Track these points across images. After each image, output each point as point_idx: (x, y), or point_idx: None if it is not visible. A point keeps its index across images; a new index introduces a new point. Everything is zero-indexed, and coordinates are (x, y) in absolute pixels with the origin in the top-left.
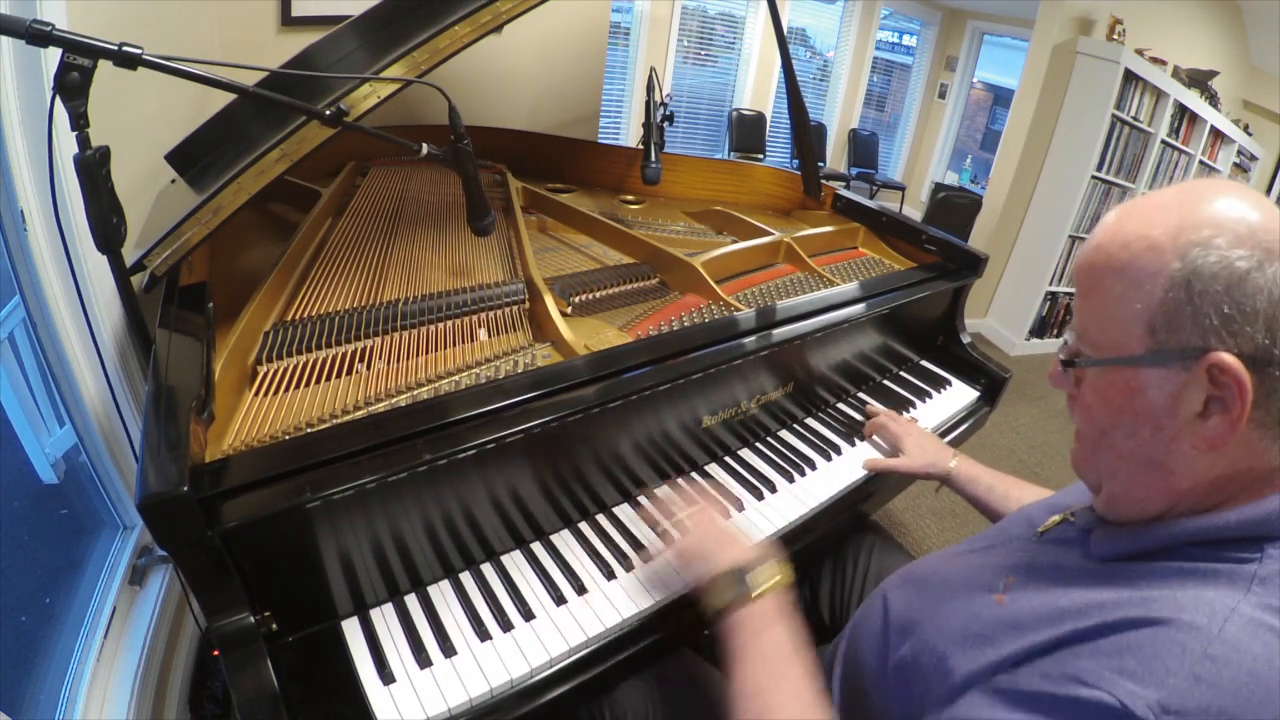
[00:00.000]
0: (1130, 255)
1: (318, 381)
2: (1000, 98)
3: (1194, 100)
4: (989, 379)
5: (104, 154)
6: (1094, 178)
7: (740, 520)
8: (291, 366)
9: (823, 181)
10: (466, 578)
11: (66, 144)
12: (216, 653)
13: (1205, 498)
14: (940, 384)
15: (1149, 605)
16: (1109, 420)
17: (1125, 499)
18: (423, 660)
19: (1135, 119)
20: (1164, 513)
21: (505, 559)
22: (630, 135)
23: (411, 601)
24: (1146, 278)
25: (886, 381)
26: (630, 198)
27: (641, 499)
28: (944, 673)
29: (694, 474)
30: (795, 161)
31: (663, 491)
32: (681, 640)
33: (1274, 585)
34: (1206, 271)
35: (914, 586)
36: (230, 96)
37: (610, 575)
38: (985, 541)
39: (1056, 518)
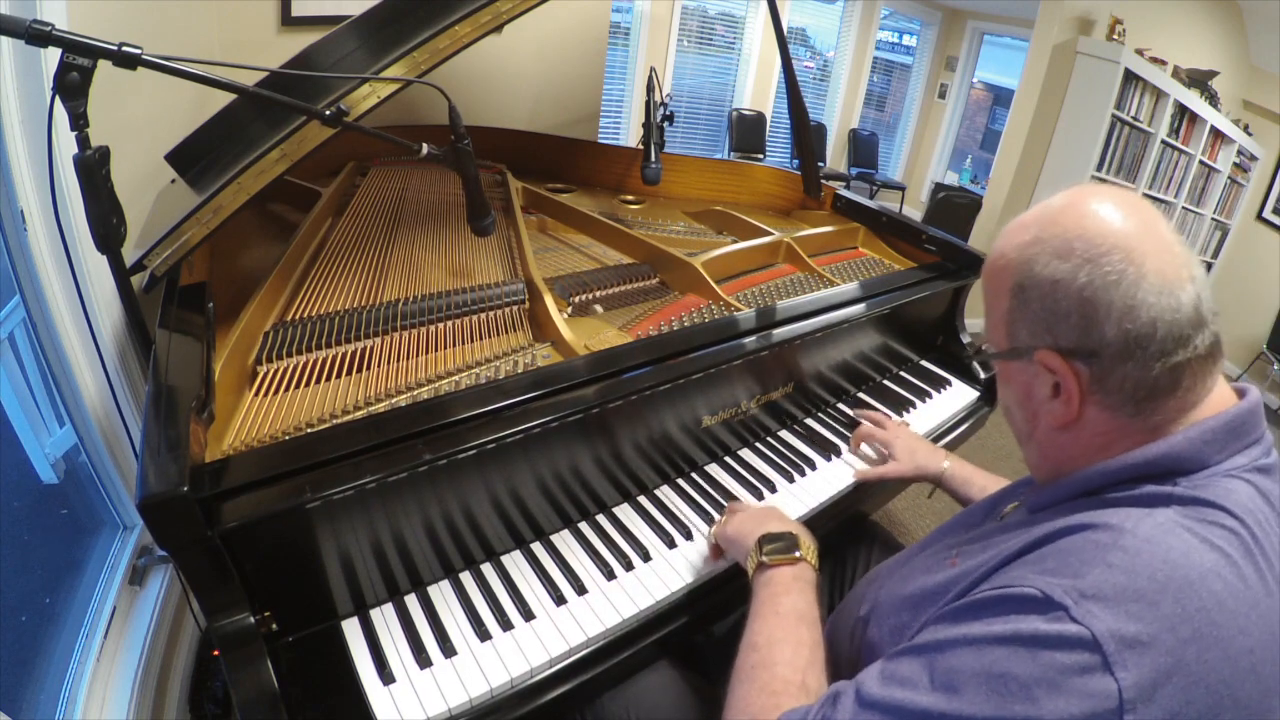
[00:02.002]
0: (995, 269)
1: (318, 381)
2: (1000, 98)
3: (1194, 100)
4: (989, 379)
5: (104, 154)
6: (1094, 178)
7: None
8: (291, 366)
9: (823, 181)
10: (466, 578)
11: (66, 144)
12: (216, 653)
13: (1083, 457)
14: (940, 384)
15: (1071, 521)
16: (1003, 403)
17: (1030, 464)
18: (423, 660)
19: (1135, 119)
20: (1056, 475)
21: (505, 559)
22: (630, 135)
23: (411, 601)
24: (1001, 288)
25: (886, 381)
26: (630, 198)
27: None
28: (902, 632)
29: (694, 474)
30: (795, 161)
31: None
32: (669, 651)
33: (1191, 507)
34: (1029, 282)
35: (883, 577)
36: (230, 96)
37: (610, 575)
38: (947, 528)
39: (1014, 504)
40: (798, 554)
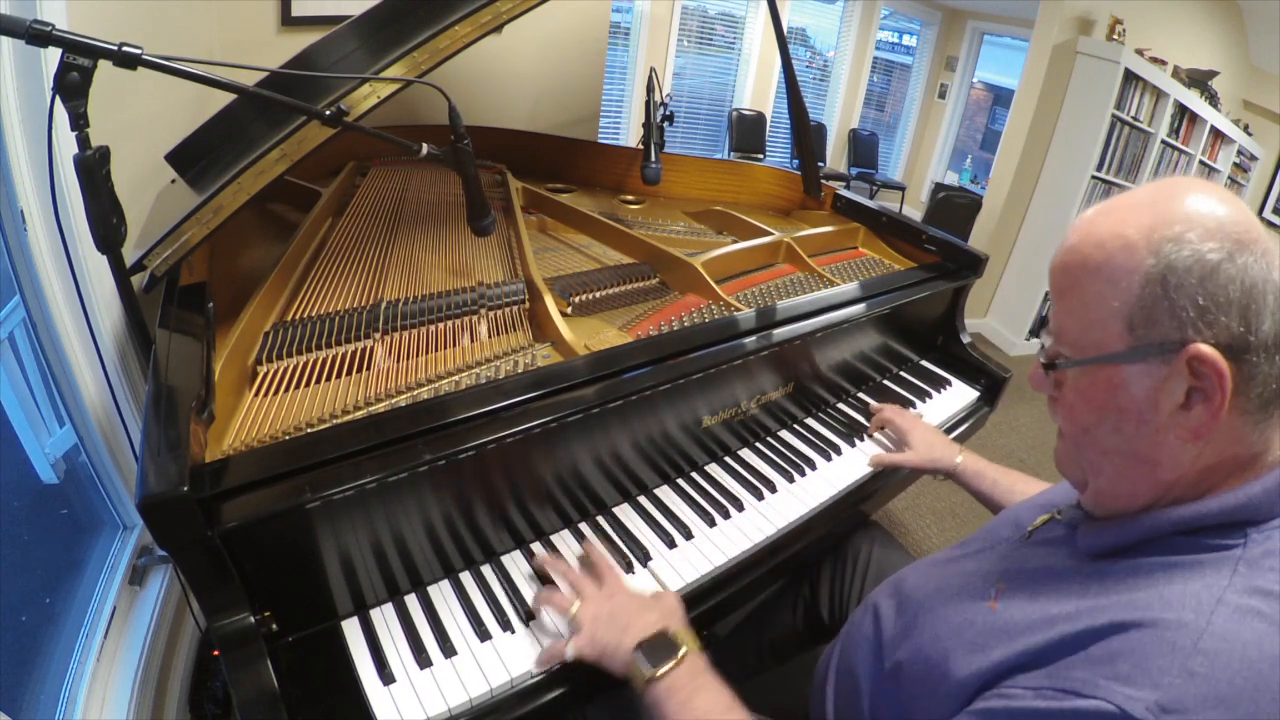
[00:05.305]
0: (1106, 254)
1: (318, 381)
2: (1000, 98)
3: (1194, 100)
4: (989, 379)
5: (104, 154)
6: (1094, 178)
7: (741, 521)
8: (291, 367)
9: (823, 181)
10: (466, 578)
11: (66, 144)
12: (216, 653)
13: (1191, 487)
14: (940, 384)
15: (1136, 607)
16: (1093, 418)
17: (1112, 493)
18: (423, 660)
19: (1135, 119)
20: (1150, 504)
21: (505, 559)
22: (630, 135)
23: (411, 601)
24: (1122, 275)
25: (886, 381)
26: (630, 198)
27: (534, 591)
28: (937, 678)
29: (694, 474)
30: (795, 161)
31: (543, 563)
32: None
33: (1258, 568)
34: (1180, 265)
35: (905, 596)
36: (230, 96)
37: None
38: (974, 546)
39: (1044, 516)
40: (682, 651)
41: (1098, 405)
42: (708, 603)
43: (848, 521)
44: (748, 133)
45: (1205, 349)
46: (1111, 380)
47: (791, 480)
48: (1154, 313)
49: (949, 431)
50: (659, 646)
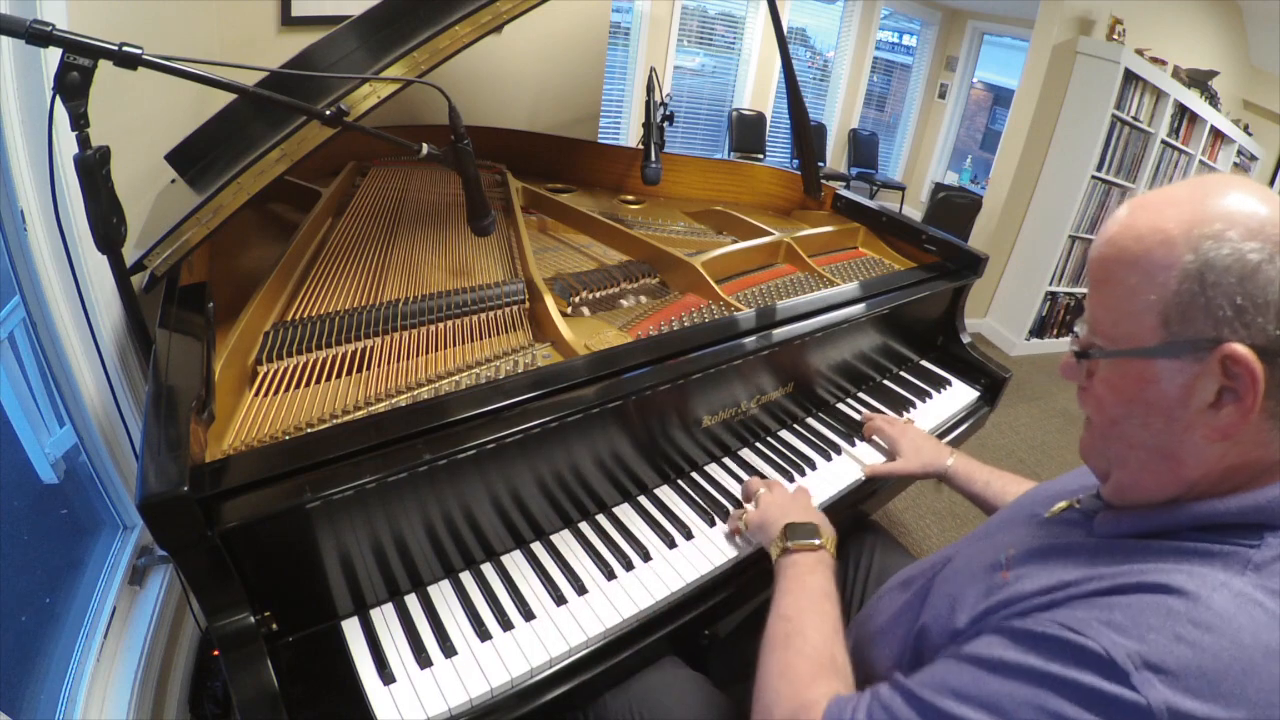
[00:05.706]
0: (1144, 248)
1: (318, 381)
2: (1000, 98)
3: (1194, 100)
4: (989, 379)
5: (104, 154)
6: (1094, 178)
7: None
8: (292, 367)
9: (823, 181)
10: (466, 578)
11: (66, 144)
12: (216, 653)
13: (1213, 486)
14: (940, 384)
15: (1145, 574)
16: (1121, 410)
17: (1135, 487)
18: (423, 660)
19: (1135, 119)
20: (1172, 500)
21: (505, 559)
22: (630, 135)
23: (411, 601)
24: (1160, 270)
25: (886, 381)
26: (630, 198)
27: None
28: (950, 636)
29: (694, 474)
30: (795, 161)
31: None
32: (673, 649)
33: (1269, 571)
34: (1219, 264)
35: (920, 580)
36: (230, 96)
37: (610, 575)
38: (987, 531)
39: (1063, 503)
40: (818, 542)
41: (1127, 398)
42: (708, 602)
43: (848, 522)
44: (748, 133)
45: (1240, 349)
46: (1143, 374)
47: (791, 480)
48: (1190, 309)
49: (949, 431)
50: (804, 530)
